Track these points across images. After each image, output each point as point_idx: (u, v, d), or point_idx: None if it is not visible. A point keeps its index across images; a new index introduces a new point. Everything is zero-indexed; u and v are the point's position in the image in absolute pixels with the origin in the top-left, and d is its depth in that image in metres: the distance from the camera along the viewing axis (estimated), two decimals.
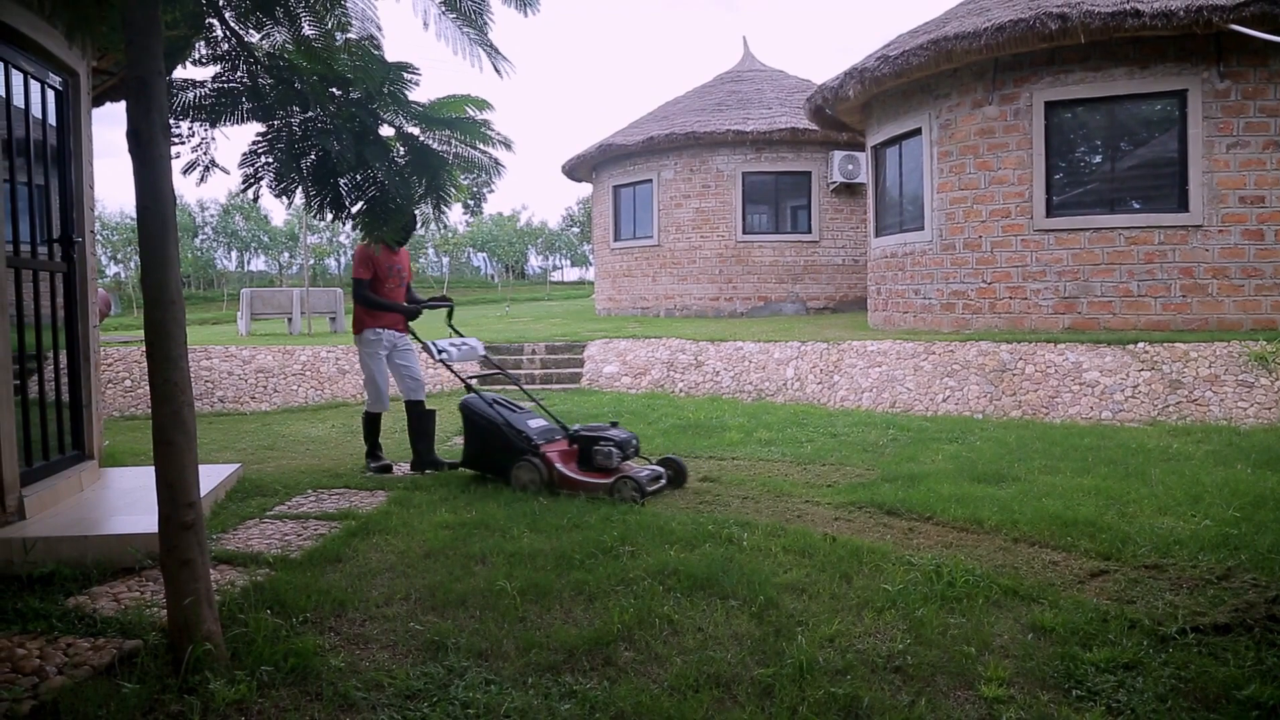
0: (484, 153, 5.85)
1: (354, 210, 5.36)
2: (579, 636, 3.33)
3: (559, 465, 5.65)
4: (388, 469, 6.61)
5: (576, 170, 20.46)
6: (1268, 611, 3.33)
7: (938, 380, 8.70)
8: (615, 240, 19.05)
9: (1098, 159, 9.99)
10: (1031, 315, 9.78)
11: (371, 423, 6.73)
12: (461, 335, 6.75)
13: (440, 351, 6.31)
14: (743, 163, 16.94)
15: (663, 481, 5.63)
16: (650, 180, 17.93)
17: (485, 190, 69.92)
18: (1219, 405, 7.62)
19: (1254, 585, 3.64)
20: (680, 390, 10.24)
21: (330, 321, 18.00)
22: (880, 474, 5.98)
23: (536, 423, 6.05)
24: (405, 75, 5.14)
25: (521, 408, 6.23)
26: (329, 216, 5.64)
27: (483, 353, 6.68)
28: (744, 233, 17.06)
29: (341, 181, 5.42)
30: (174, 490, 3.00)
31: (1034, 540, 4.38)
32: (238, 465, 6.25)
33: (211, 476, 5.49)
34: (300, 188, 5.35)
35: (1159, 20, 8.59)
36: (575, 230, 63.65)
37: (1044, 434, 7.12)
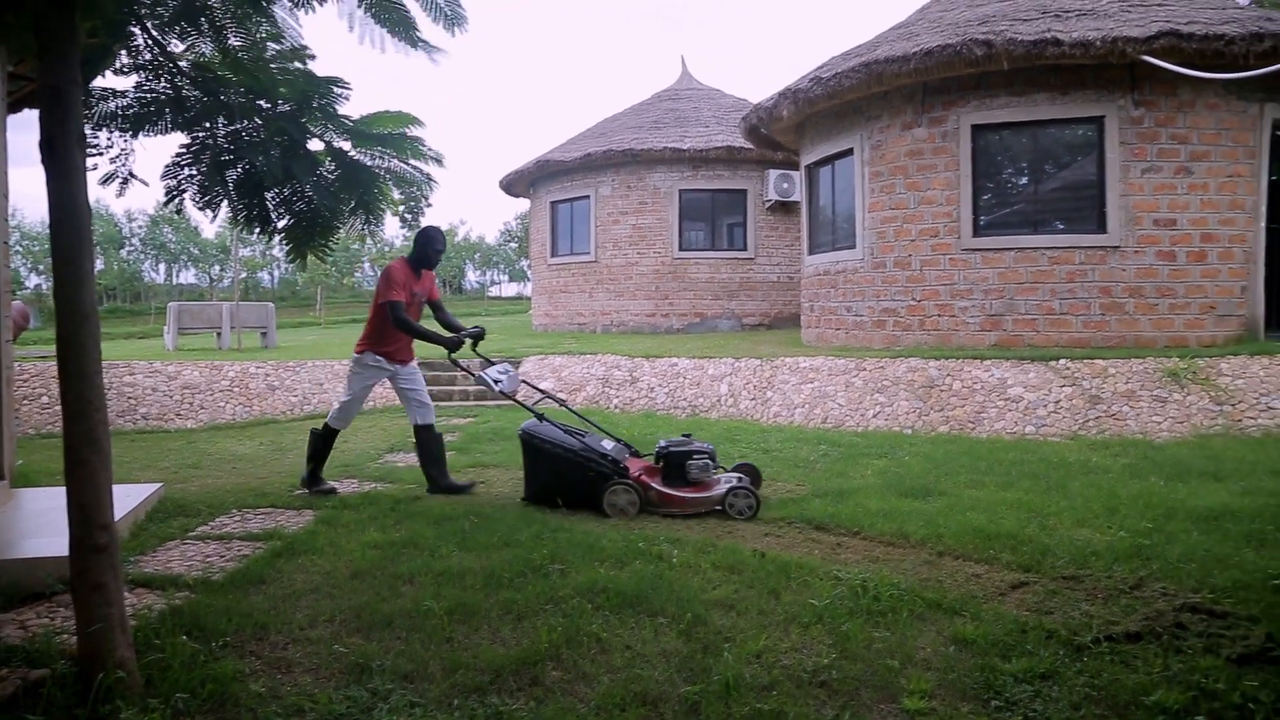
0: (415, 168, 5.83)
1: (281, 226, 5.28)
2: (506, 657, 3.32)
3: (653, 484, 5.48)
4: (332, 492, 6.32)
5: (514, 185, 20.41)
6: (1175, 619, 3.45)
7: (868, 396, 8.85)
8: (552, 256, 19.03)
9: (1022, 181, 10.30)
10: (959, 332, 10.01)
11: (326, 440, 6.44)
12: (492, 362, 6.54)
13: (497, 382, 6.07)
14: (679, 180, 17.07)
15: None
16: (588, 196, 17.96)
17: (424, 205, 69.08)
18: (1135, 420, 7.88)
19: (1163, 594, 3.76)
20: (615, 406, 10.26)
21: (262, 336, 17.64)
22: (810, 489, 6.06)
23: (609, 444, 5.79)
24: (335, 90, 5.08)
25: (583, 431, 5.95)
26: (255, 231, 5.55)
27: (520, 380, 6.49)
28: (680, 249, 17.18)
29: (269, 196, 5.34)
30: (86, 511, 2.91)
31: (958, 554, 4.48)
32: (159, 485, 6.08)
33: (131, 497, 5.33)
34: (225, 201, 5.26)
35: (1078, 49, 8.91)
36: (513, 245, 63.41)
37: (970, 449, 7.28)
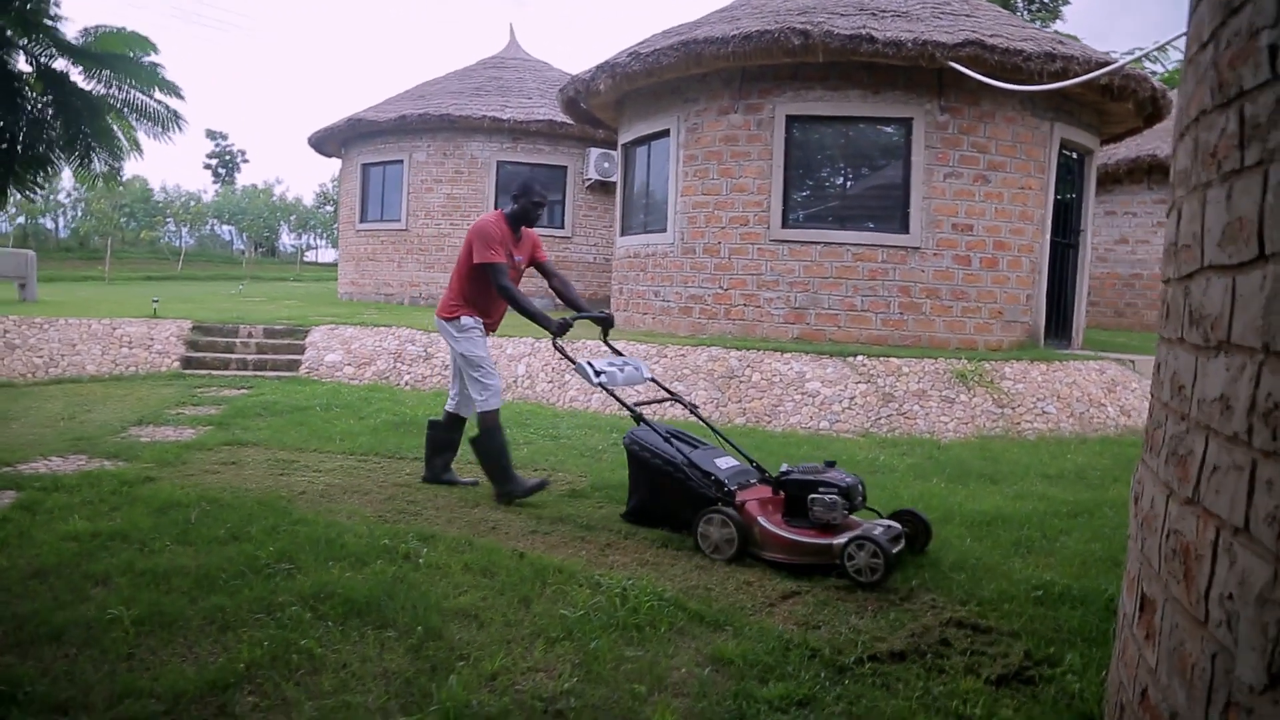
0: (160, 103, 5.05)
1: None
2: (195, 679, 2.78)
3: (761, 518, 4.20)
4: (543, 486, 5.20)
5: (325, 144, 19.14)
6: (941, 635, 3.29)
7: (667, 384, 8.61)
8: (361, 221, 17.95)
9: (833, 175, 10.35)
10: (763, 323, 9.96)
11: (497, 433, 5.21)
12: (621, 354, 5.42)
13: (598, 374, 4.92)
14: (498, 151, 16.42)
15: (902, 543, 4.14)
16: (401, 161, 17.01)
17: (239, 159, 64.81)
18: (924, 419, 8.00)
19: (932, 606, 3.61)
20: (406, 383, 9.60)
21: (19, 289, 15.66)
22: (591, 481, 5.69)
23: (726, 462, 4.65)
24: None
25: (704, 443, 4.86)
26: None
27: (648, 376, 5.27)
28: None
29: None
30: None
31: (732, 559, 4.21)
32: None
33: None
34: None
35: (890, 48, 8.95)
36: (329, 209, 60.40)
37: (763, 443, 7.13)
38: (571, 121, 14.58)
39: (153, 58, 4.69)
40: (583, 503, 5.21)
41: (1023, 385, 8.51)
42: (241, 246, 60.81)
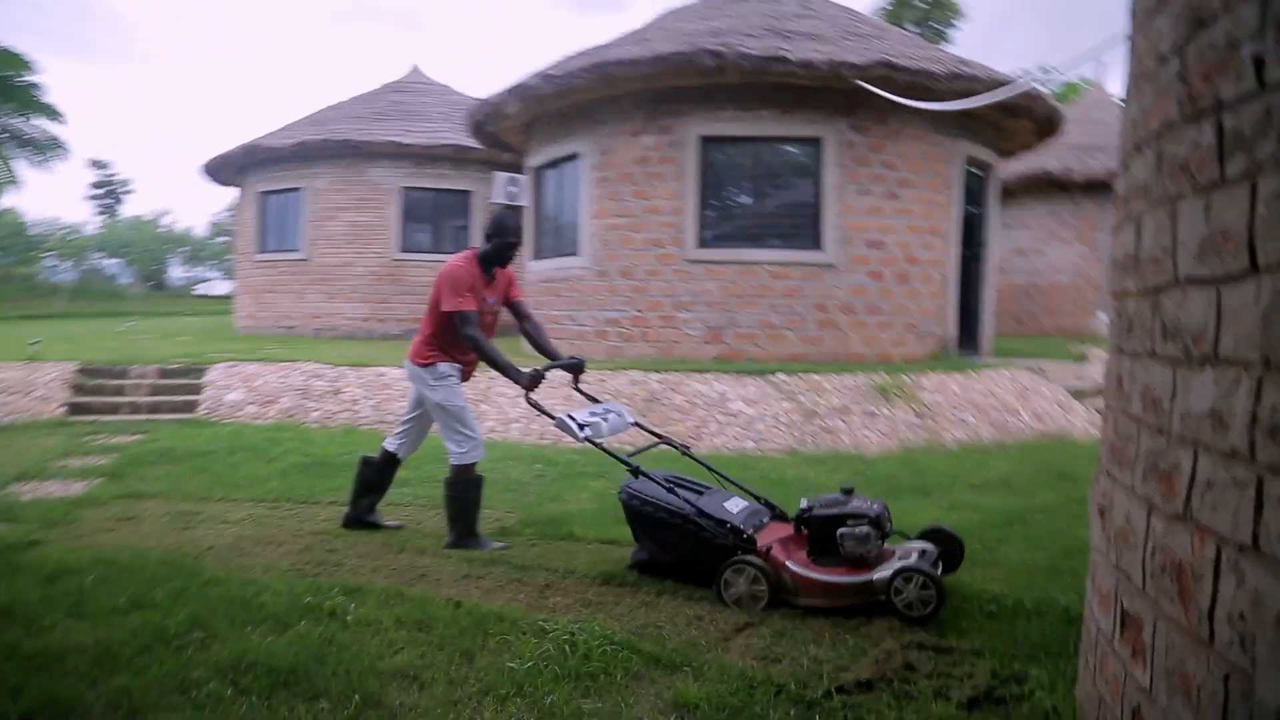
0: (37, 129, 4.65)
1: None
2: None
3: (790, 563, 3.81)
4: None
5: (220, 172, 18.45)
6: (905, 659, 3.19)
7: (588, 411, 8.43)
8: (259, 252, 17.30)
9: (746, 195, 10.38)
10: (682, 345, 9.88)
11: (474, 486, 4.95)
12: (597, 401, 4.98)
13: (583, 428, 4.45)
14: (403, 177, 16.06)
15: (940, 566, 3.88)
16: (301, 189, 16.48)
17: (120, 190, 62.14)
18: (848, 434, 8.01)
19: (889, 629, 3.52)
20: (314, 421, 9.16)
21: None
22: (520, 518, 5.48)
23: (736, 504, 4.23)
24: None
25: (707, 486, 4.49)
26: None
27: (631, 421, 4.90)
28: (401, 250, 16.15)
29: None
30: None
31: (677, 590, 4.05)
32: None
33: None
34: None
35: (803, 69, 9.03)
36: (224, 240, 58.33)
37: (691, 465, 6.99)
38: (478, 145, 14.35)
39: (30, 78, 4.28)
40: (513, 540, 5.01)
41: (941, 396, 8.62)
42: (130, 281, 58.15)
